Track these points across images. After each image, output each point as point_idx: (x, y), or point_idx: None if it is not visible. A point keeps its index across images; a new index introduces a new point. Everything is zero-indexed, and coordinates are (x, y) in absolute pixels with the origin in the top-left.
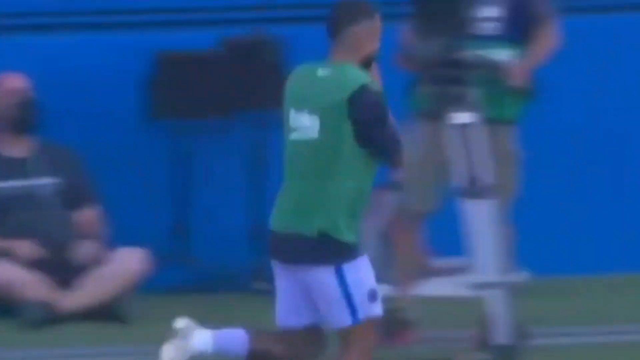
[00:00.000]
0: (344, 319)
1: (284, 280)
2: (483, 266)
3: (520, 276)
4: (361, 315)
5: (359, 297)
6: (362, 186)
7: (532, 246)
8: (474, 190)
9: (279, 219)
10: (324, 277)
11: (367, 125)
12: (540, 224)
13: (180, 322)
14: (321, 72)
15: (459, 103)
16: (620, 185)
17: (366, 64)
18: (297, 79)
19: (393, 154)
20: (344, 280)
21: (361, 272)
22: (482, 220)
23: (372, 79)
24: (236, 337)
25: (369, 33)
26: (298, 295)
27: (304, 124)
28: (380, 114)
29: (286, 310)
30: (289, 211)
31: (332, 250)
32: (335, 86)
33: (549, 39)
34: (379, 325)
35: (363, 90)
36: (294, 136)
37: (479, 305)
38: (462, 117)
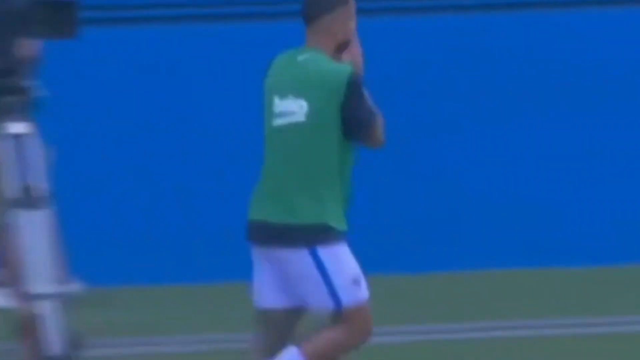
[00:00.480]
0: (327, 303)
1: (265, 263)
2: (36, 276)
3: (75, 287)
4: (344, 299)
5: (340, 281)
6: (344, 169)
7: (86, 257)
8: (28, 201)
9: (261, 207)
10: (300, 260)
11: (353, 107)
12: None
13: None
14: (300, 57)
15: (12, 112)
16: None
17: (341, 47)
18: (278, 68)
19: (370, 127)
20: (321, 263)
21: (341, 258)
22: (36, 230)
23: (352, 57)
24: (290, 356)
25: (343, 20)
26: (278, 278)
27: (289, 109)
28: (362, 94)
29: (267, 291)
30: (272, 197)
31: (309, 233)
32: (325, 71)
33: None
34: (368, 314)
35: (353, 76)
36: (278, 122)
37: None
38: (16, 127)
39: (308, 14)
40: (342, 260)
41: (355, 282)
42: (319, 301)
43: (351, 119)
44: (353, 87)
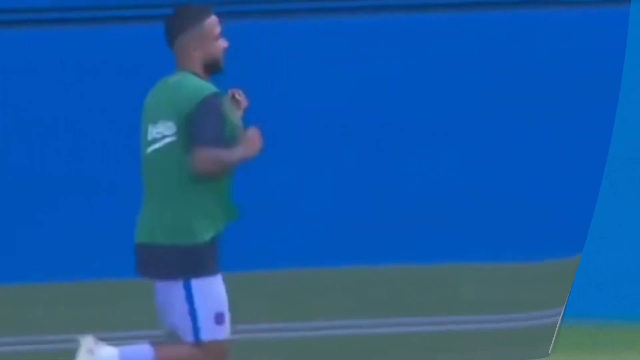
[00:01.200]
0: (188, 335)
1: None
2: None
3: None
4: (204, 335)
5: (204, 316)
6: (217, 186)
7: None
8: None
9: (140, 233)
10: (171, 290)
11: (197, 122)
12: None
13: (85, 340)
14: (171, 80)
15: None
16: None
17: (213, 66)
18: (151, 94)
19: (199, 147)
20: (190, 295)
21: (211, 291)
22: None
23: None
24: (142, 352)
25: (198, 39)
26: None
27: (160, 133)
28: (212, 117)
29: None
30: (149, 223)
31: (183, 260)
32: (188, 88)
33: None
34: (225, 349)
35: (211, 95)
36: (152, 148)
37: None
38: None
39: (167, 38)
40: (210, 291)
41: (218, 319)
42: (182, 331)
43: (192, 132)
44: (205, 105)
